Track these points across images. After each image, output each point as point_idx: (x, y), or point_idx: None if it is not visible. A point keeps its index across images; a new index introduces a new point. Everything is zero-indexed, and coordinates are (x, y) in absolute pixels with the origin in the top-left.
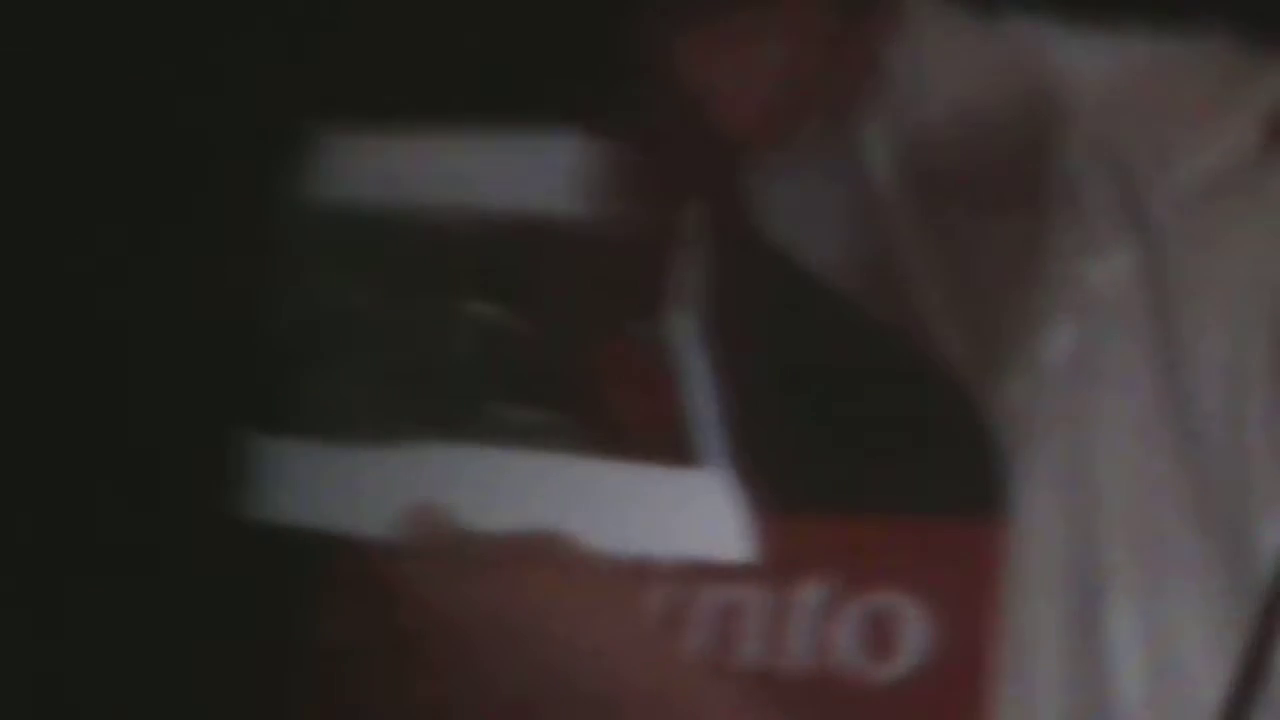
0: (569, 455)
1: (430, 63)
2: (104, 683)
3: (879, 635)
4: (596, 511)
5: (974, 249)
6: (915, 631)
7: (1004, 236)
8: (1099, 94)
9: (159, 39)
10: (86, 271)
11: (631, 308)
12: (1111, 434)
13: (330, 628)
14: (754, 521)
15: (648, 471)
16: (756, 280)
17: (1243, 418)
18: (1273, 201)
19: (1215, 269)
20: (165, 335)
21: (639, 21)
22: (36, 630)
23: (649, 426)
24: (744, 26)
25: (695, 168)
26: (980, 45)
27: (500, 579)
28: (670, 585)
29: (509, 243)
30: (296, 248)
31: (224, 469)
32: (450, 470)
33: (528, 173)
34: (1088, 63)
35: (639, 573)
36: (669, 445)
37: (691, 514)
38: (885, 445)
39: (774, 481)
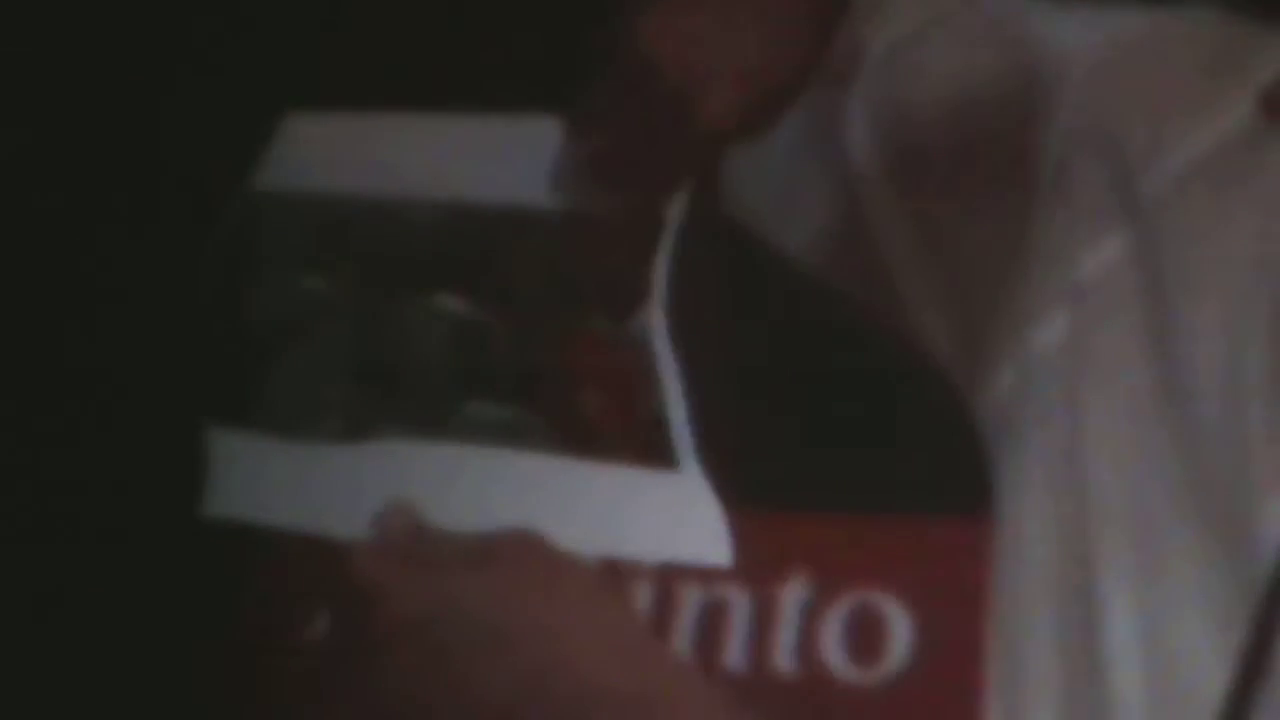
0: (541, 454)
1: (399, 47)
2: (63, 680)
3: (864, 635)
4: (572, 511)
5: (958, 232)
6: (902, 631)
7: (989, 219)
8: (1085, 70)
9: (119, 22)
10: (41, 262)
11: (604, 302)
12: (1104, 425)
13: (297, 629)
14: (733, 521)
15: (621, 471)
16: (731, 273)
17: (1241, 405)
18: (1269, 181)
19: (1211, 252)
20: (124, 325)
21: (614, 6)
22: None
23: (621, 425)
24: (719, 9)
25: (671, 157)
26: (961, 19)
27: (475, 579)
28: (650, 585)
29: (479, 234)
30: (260, 236)
31: (186, 464)
32: (421, 468)
33: (500, 161)
34: (1073, 37)
35: (618, 573)
36: (642, 445)
37: (668, 515)
38: (867, 441)
39: (752, 480)
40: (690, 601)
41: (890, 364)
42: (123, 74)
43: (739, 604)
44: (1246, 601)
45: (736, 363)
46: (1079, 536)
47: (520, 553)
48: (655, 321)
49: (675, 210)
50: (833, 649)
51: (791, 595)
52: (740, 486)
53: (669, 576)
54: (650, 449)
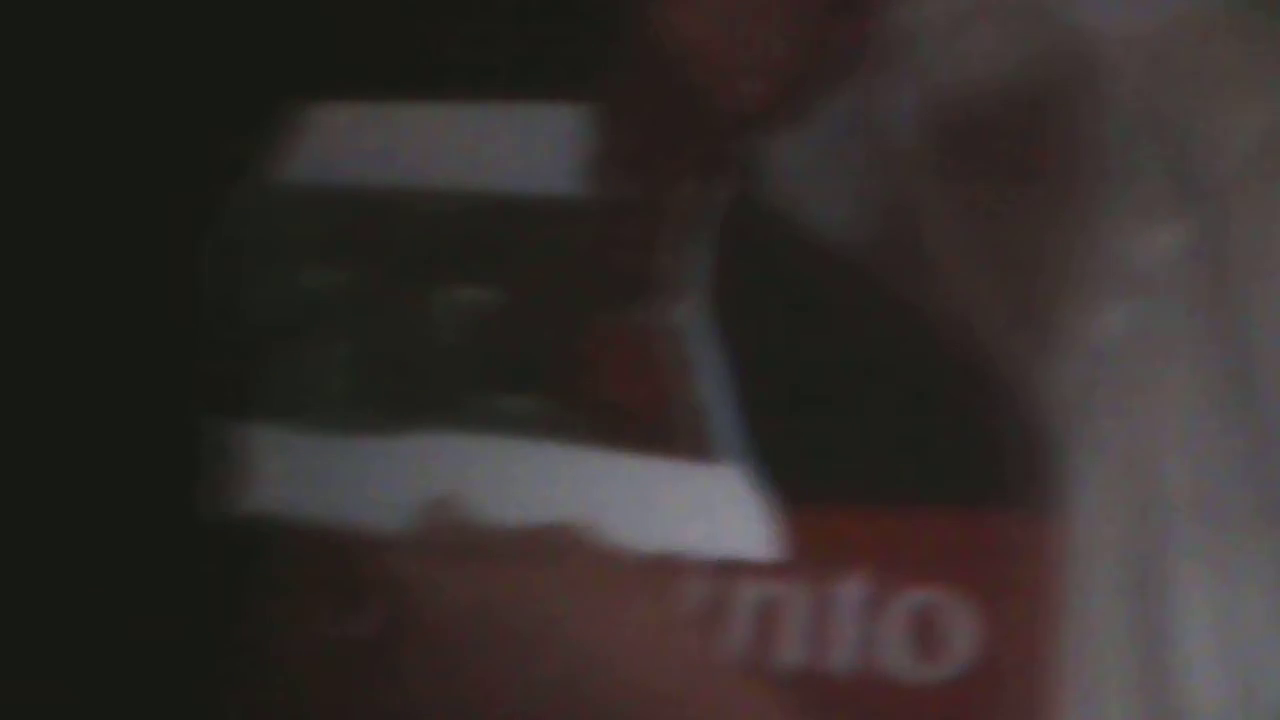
0: (575, 447)
1: (415, 34)
2: (75, 681)
3: (926, 634)
4: (615, 505)
5: (1010, 218)
6: (964, 629)
7: (1042, 205)
8: (1139, 51)
9: (131, 8)
10: (49, 251)
11: (632, 291)
12: (1174, 416)
13: (331, 624)
14: (783, 515)
15: (660, 465)
16: (773, 261)
17: None
18: None
19: (1278, 237)
20: (137, 318)
21: None
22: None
23: (658, 418)
24: None
25: (695, 146)
26: (1005, 1)
27: (521, 574)
28: (705, 580)
29: (501, 222)
30: (280, 228)
31: (207, 459)
32: (460, 461)
33: (522, 150)
34: (1118, 20)
35: (669, 567)
36: (680, 438)
37: (710, 509)
38: (923, 433)
39: (807, 474)
40: (746, 598)
41: (944, 353)
42: (124, 60)
43: (796, 601)
44: None
45: (783, 352)
46: (1150, 531)
47: (567, 546)
48: (692, 311)
49: (710, 197)
50: (893, 648)
51: (850, 592)
52: (794, 480)
53: (724, 572)
54: (688, 442)
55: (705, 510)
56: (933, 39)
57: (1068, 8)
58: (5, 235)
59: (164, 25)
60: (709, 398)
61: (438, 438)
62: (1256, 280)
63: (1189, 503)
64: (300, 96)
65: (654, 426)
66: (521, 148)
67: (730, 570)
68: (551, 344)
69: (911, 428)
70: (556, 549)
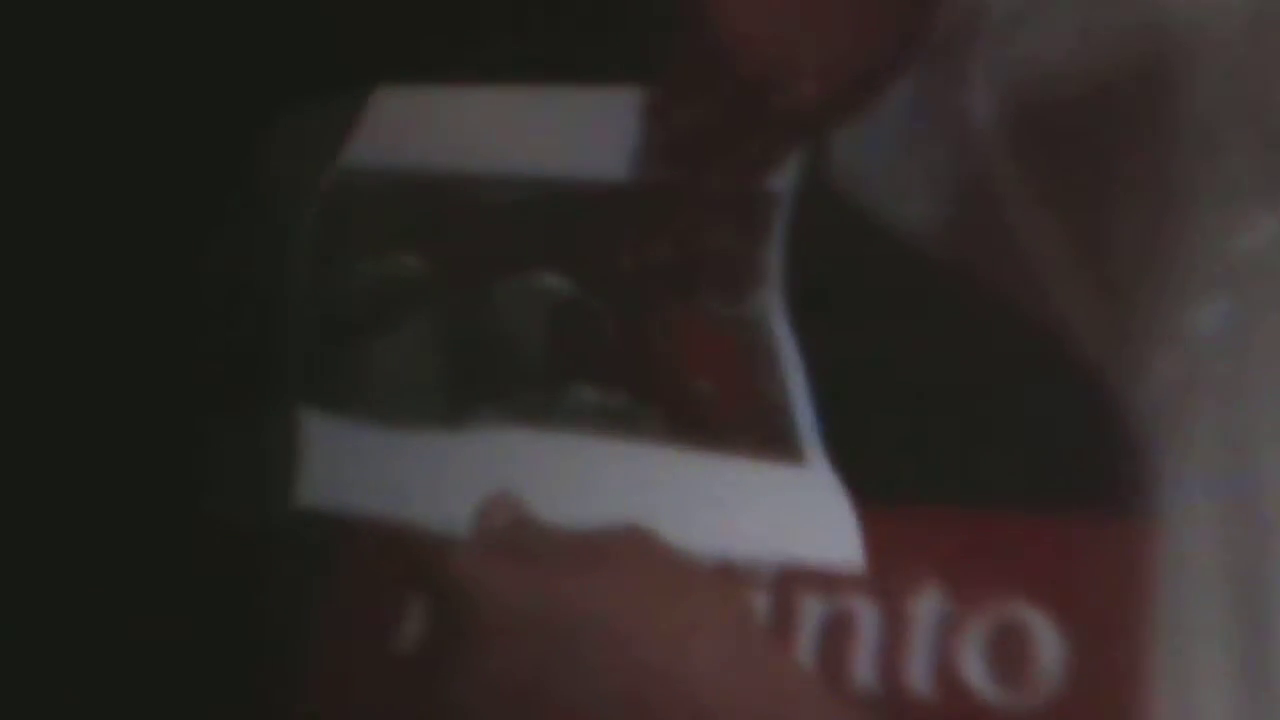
0: (652, 444)
1: (477, 18)
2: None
3: (1009, 653)
4: (687, 506)
5: (1100, 205)
6: (1051, 648)
7: (1133, 192)
8: (1227, 32)
9: None
10: (107, 234)
11: (710, 280)
12: (1272, 413)
13: (388, 624)
14: (861, 520)
15: (740, 464)
16: (846, 250)
17: None
18: None
19: None
20: (205, 309)
21: None
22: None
23: (738, 414)
24: None
25: (751, 136)
26: None
27: (583, 578)
28: (767, 593)
29: (573, 209)
30: (351, 214)
31: (271, 452)
32: (525, 457)
33: (601, 136)
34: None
35: (738, 576)
36: (762, 435)
37: (791, 512)
38: (1004, 432)
39: (878, 475)
40: (812, 612)
41: (1027, 348)
42: (202, 32)
43: (867, 616)
44: None
45: (860, 347)
46: (1251, 537)
47: (632, 550)
48: (772, 303)
49: (789, 187)
50: (973, 667)
51: (925, 607)
52: (865, 481)
53: (788, 583)
54: (770, 440)
55: (788, 511)
56: (1006, 21)
57: None
58: (23, 225)
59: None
60: (791, 392)
61: (502, 431)
62: None
63: None
64: (377, 77)
65: (732, 422)
66: (591, 133)
67: (794, 581)
68: (625, 334)
69: (993, 425)
70: (622, 553)
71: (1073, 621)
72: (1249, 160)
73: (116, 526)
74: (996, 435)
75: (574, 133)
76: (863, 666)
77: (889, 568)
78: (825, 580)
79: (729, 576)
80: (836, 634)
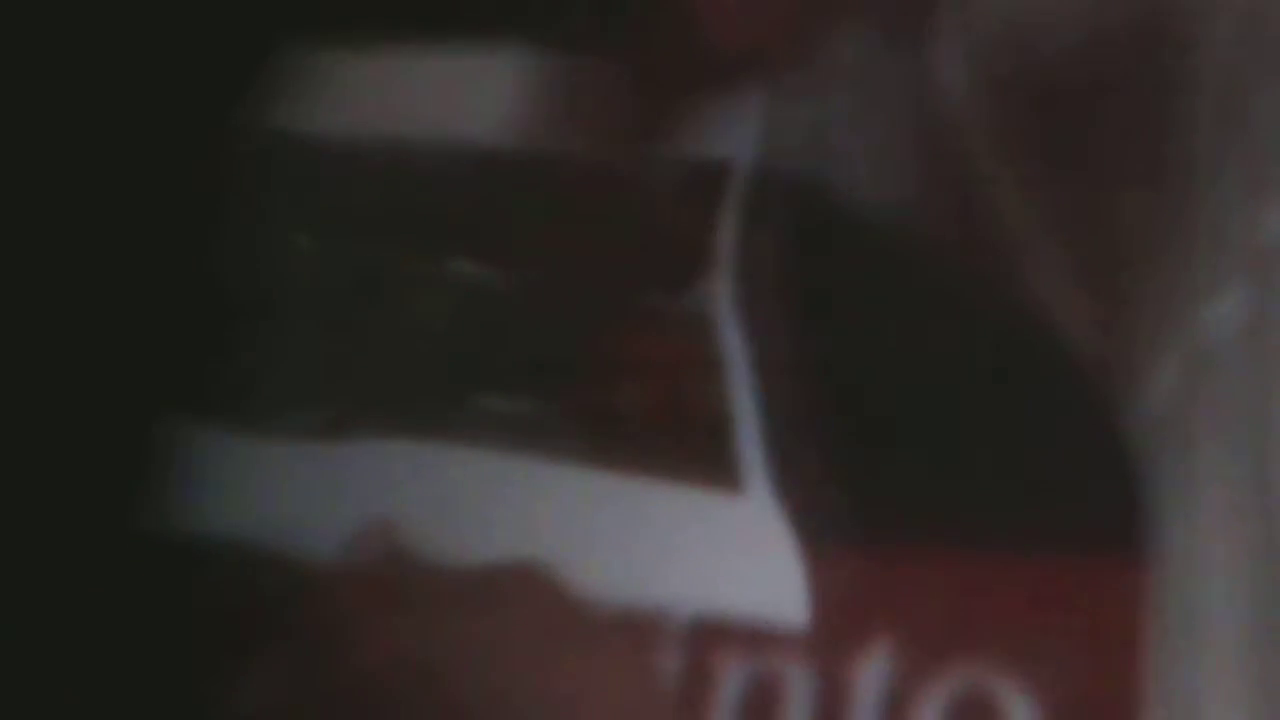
0: (565, 463)
1: None
2: None
3: None
4: (598, 539)
5: (1093, 190)
6: (1022, 715)
7: (1133, 172)
8: (1228, 8)
9: None
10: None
11: (650, 270)
12: None
13: (253, 669)
14: (805, 563)
15: (667, 490)
16: (814, 236)
17: None
18: None
19: None
20: (71, 297)
21: None
22: None
23: (670, 430)
24: None
25: (677, 91)
26: None
27: (466, 624)
28: (683, 648)
29: (501, 186)
30: (243, 186)
31: (133, 463)
32: (412, 475)
33: (523, 100)
34: None
35: (649, 626)
36: (696, 456)
37: (723, 550)
38: (976, 457)
39: (823, 507)
40: (731, 677)
41: (1008, 354)
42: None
43: (799, 682)
44: None
45: (819, 352)
46: (1271, 577)
47: (523, 593)
48: (719, 295)
49: (742, 154)
50: None
51: (871, 671)
52: (812, 516)
53: (706, 638)
54: (706, 462)
55: (719, 551)
56: None
57: None
58: None
59: None
60: (734, 404)
61: (384, 443)
62: None
63: None
64: (286, 41)
65: (660, 438)
66: (529, 99)
67: (712, 636)
68: (552, 332)
69: (962, 446)
70: (511, 596)
71: (1049, 690)
72: (1275, 129)
73: None
74: (965, 459)
75: (482, 95)
76: None
77: (829, 621)
78: (750, 637)
79: (634, 628)
80: (760, 705)
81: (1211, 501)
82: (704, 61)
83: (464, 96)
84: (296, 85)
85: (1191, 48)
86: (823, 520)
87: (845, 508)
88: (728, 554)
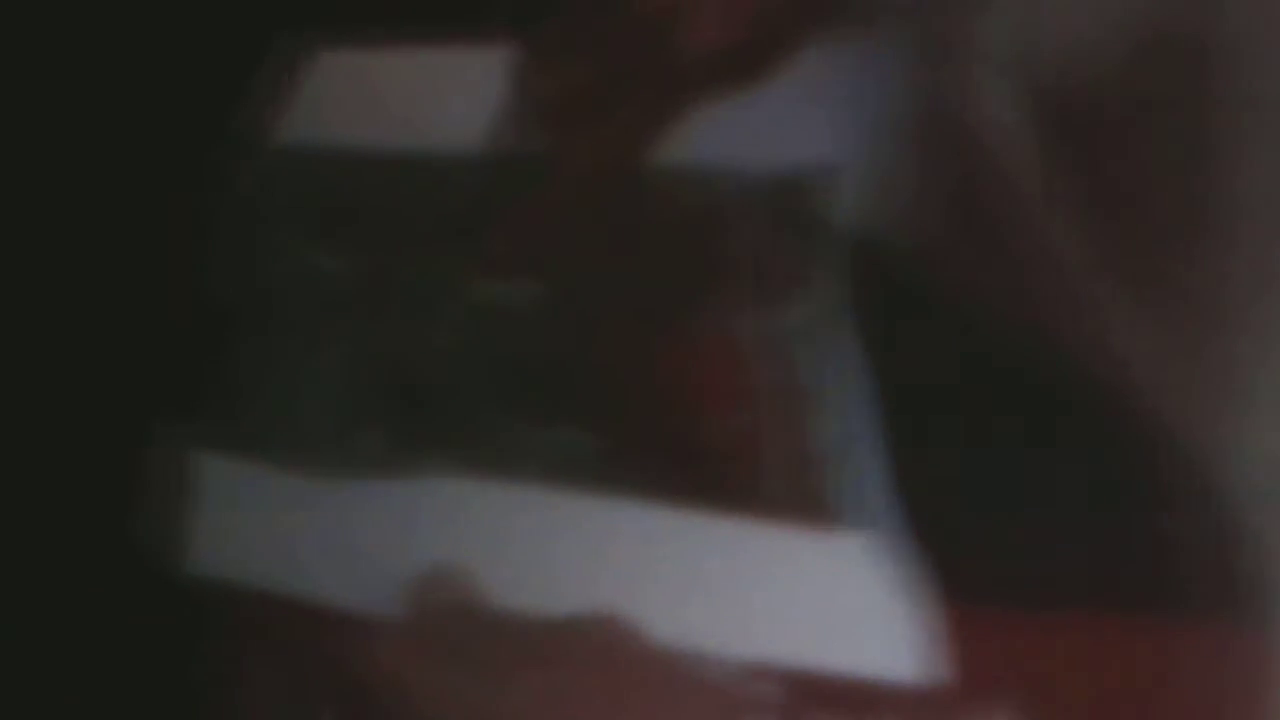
0: (638, 500)
1: None
2: None
3: None
4: (679, 588)
5: (1164, 237)
6: None
7: (1191, 197)
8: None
9: None
10: None
11: (729, 294)
12: None
13: None
14: (915, 615)
15: (754, 530)
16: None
17: None
18: None
19: None
20: (68, 316)
21: None
22: None
23: (755, 463)
24: None
25: (650, 93)
26: None
27: (540, 681)
28: (779, 712)
29: (543, 194)
30: (263, 200)
31: (164, 499)
32: (471, 518)
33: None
34: None
35: (740, 684)
36: (787, 491)
37: (821, 597)
38: (1085, 513)
39: (941, 558)
40: None
41: (1090, 406)
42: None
43: None
44: None
45: (924, 378)
46: None
47: (602, 648)
48: (812, 314)
49: (820, 172)
50: None
51: None
52: (926, 566)
53: (804, 699)
54: (798, 497)
55: (817, 598)
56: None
57: None
58: None
59: None
60: (829, 436)
61: (443, 483)
62: None
63: None
64: (299, 39)
65: (746, 473)
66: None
67: (814, 694)
68: (609, 357)
69: (1061, 500)
70: (588, 651)
71: None
72: None
73: None
74: (1071, 514)
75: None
76: None
77: (945, 682)
78: (856, 697)
79: (723, 686)
80: None
81: None
82: (680, 63)
83: (479, 94)
84: (295, 87)
85: (1235, 63)
86: (934, 571)
87: (958, 558)
88: (826, 601)
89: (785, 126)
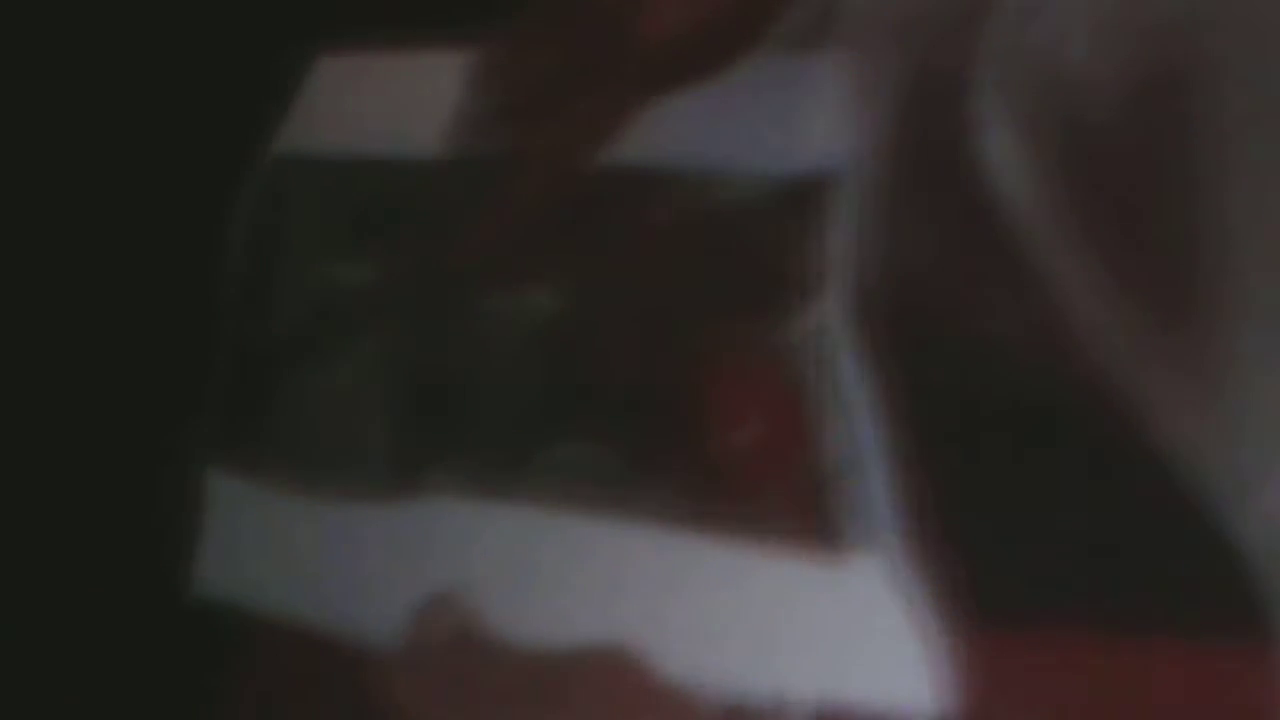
0: (655, 526)
1: None
2: None
3: None
4: (695, 617)
5: (1173, 272)
6: None
7: (1215, 243)
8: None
9: None
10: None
11: (744, 300)
12: None
13: None
14: (935, 644)
15: (767, 555)
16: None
17: None
18: None
19: None
20: (85, 330)
21: None
22: None
23: (774, 486)
24: None
25: (610, 88)
26: None
27: (550, 715)
28: None
29: (583, 204)
30: (282, 211)
31: (166, 522)
32: (480, 540)
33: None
34: None
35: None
36: (805, 517)
37: (843, 629)
38: (1110, 530)
39: (958, 581)
40: None
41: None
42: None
43: None
44: None
45: (948, 395)
46: None
47: (611, 683)
48: (830, 327)
49: (838, 172)
50: None
51: None
52: (948, 592)
53: None
54: (815, 524)
55: (834, 628)
56: (1015, 7)
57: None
58: None
59: None
60: (846, 457)
61: (451, 502)
62: None
63: None
64: (305, 42)
65: (765, 496)
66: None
67: None
68: (630, 369)
69: (1090, 517)
70: (597, 686)
71: None
72: None
73: None
74: (1099, 532)
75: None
76: None
77: (966, 712)
78: None
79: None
80: None
81: None
82: (639, 55)
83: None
84: (309, 97)
85: (1219, 92)
86: (952, 595)
87: (976, 581)
88: (849, 634)
89: (789, 132)
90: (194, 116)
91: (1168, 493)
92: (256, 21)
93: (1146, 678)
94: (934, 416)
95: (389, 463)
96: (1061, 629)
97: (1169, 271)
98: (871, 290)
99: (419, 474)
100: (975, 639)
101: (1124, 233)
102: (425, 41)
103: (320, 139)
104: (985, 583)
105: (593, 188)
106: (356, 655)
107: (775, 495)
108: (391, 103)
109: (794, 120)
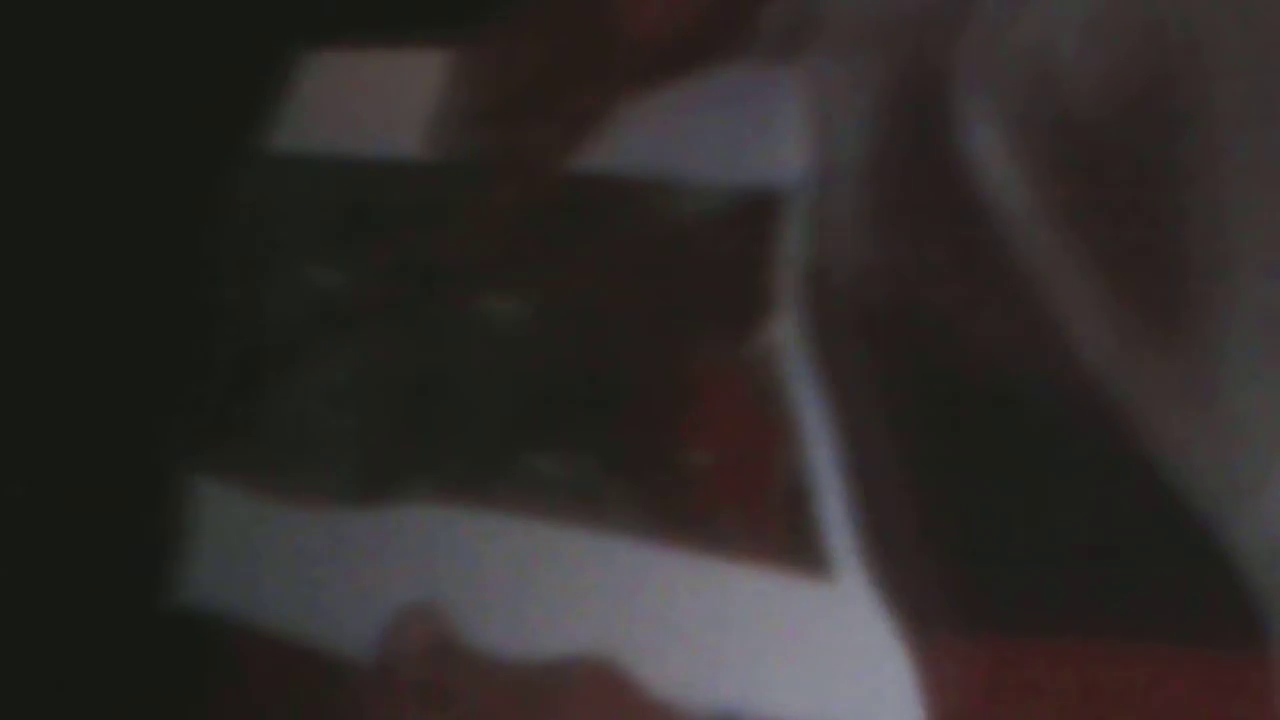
0: (628, 538)
1: None
2: None
3: None
4: (670, 631)
5: (1163, 271)
6: None
7: (1177, 237)
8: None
9: None
10: None
11: (718, 311)
12: None
13: None
14: (914, 663)
15: (744, 573)
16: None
17: None
18: None
19: None
20: (64, 337)
21: None
22: None
23: (743, 501)
24: None
25: (598, 87)
26: None
27: None
28: None
29: (562, 212)
30: (262, 213)
31: (138, 525)
32: (456, 550)
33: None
34: None
35: None
36: (775, 533)
37: (818, 647)
38: (1094, 539)
39: (934, 595)
40: None
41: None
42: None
43: None
44: None
45: (913, 412)
46: None
47: (588, 697)
48: (783, 341)
49: (795, 185)
50: None
51: None
52: (911, 603)
53: None
54: (786, 541)
55: (808, 648)
56: (1000, 5)
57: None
58: None
59: None
60: (816, 473)
61: (425, 511)
62: None
63: None
64: (300, 42)
65: (734, 512)
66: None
67: None
68: (599, 382)
69: (1071, 526)
70: (574, 699)
71: None
72: None
73: None
74: (1082, 540)
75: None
76: None
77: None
78: None
79: None
80: None
81: None
82: (623, 53)
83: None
84: (297, 96)
85: (1208, 91)
86: (928, 610)
87: (952, 595)
88: (824, 652)
89: (755, 143)
90: (181, 114)
91: (1163, 499)
92: (247, 19)
93: (1143, 686)
94: (922, 422)
95: (366, 469)
96: (1058, 638)
97: (1159, 270)
98: (851, 294)
99: (396, 481)
100: (972, 649)
101: (1113, 232)
102: (415, 40)
103: (308, 137)
104: (982, 592)
105: (562, 195)
106: (335, 664)
107: (744, 509)
108: (380, 101)
109: (760, 132)
